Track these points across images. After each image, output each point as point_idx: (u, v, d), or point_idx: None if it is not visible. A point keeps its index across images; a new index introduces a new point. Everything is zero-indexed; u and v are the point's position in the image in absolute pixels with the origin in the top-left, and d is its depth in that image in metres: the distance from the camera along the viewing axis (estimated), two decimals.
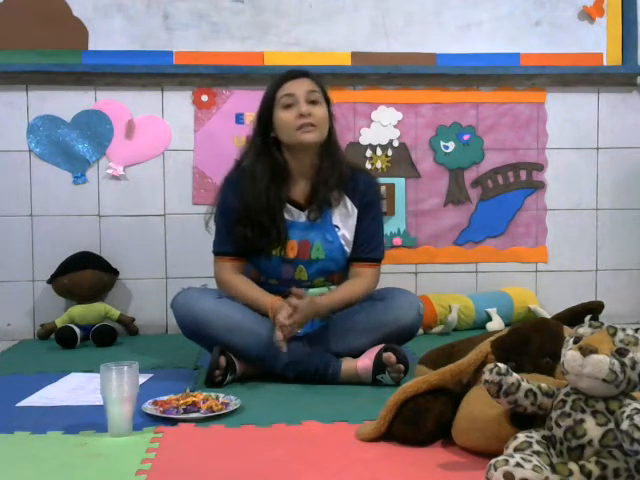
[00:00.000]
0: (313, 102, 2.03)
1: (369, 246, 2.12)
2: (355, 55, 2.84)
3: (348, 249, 2.11)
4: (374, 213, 2.14)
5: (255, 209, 2.03)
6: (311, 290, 2.11)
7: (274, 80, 2.08)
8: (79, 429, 1.54)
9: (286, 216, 2.08)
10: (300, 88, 2.03)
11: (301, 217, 2.10)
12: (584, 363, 1.13)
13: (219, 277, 2.11)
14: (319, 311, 1.98)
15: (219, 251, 2.13)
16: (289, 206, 2.10)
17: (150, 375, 2.02)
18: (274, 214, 2.05)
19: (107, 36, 2.75)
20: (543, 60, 2.90)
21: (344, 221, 2.11)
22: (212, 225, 2.17)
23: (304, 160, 2.08)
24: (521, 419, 1.26)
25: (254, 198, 2.04)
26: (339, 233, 2.10)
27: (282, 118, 2.03)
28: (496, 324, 2.69)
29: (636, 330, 1.17)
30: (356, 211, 2.11)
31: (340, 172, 2.09)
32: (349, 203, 2.12)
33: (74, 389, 1.90)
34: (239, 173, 2.11)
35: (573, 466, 1.10)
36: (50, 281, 2.67)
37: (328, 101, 2.10)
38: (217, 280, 2.12)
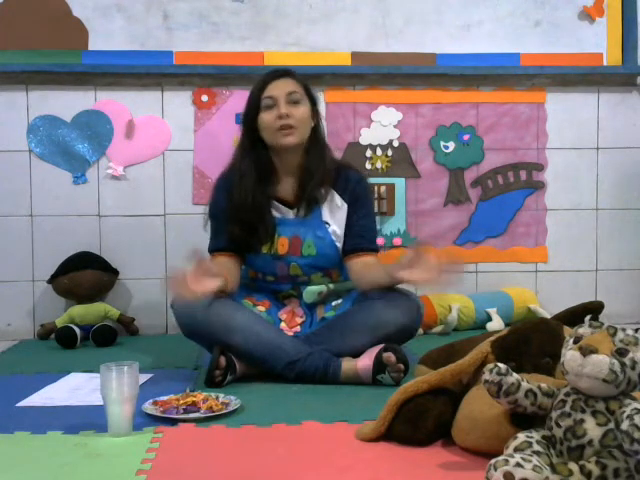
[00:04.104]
0: (294, 102, 2.06)
1: (368, 238, 2.14)
2: (355, 55, 2.84)
3: (339, 245, 2.12)
4: (367, 207, 2.16)
5: (242, 207, 2.06)
6: (309, 288, 2.13)
7: (258, 81, 2.11)
8: (79, 429, 1.53)
9: (275, 213, 2.11)
10: (281, 89, 2.06)
11: (290, 214, 2.12)
12: (584, 363, 1.13)
13: None
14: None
15: (211, 249, 2.16)
16: (277, 204, 2.12)
17: (150, 375, 2.01)
18: (261, 211, 2.08)
19: (107, 36, 2.75)
20: (543, 60, 2.90)
21: (334, 216, 2.13)
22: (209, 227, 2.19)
23: (289, 159, 2.11)
24: (521, 419, 1.26)
25: (241, 196, 2.06)
26: (329, 229, 2.11)
27: (263, 119, 2.07)
28: (496, 324, 2.69)
29: (636, 330, 1.17)
30: (346, 206, 2.13)
31: (326, 169, 2.11)
32: (338, 199, 2.13)
33: (74, 389, 1.90)
34: (229, 173, 2.14)
35: (573, 466, 1.10)
36: (50, 281, 2.67)
37: (313, 100, 2.13)
38: None
